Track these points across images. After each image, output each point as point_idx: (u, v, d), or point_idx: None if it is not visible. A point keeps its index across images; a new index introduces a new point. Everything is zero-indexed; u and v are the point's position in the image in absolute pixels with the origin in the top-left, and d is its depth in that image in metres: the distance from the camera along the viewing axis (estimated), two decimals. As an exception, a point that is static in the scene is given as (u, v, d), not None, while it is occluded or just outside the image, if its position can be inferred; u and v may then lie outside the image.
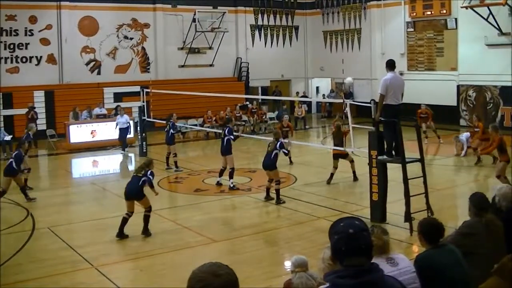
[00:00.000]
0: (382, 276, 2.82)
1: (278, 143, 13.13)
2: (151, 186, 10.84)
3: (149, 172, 10.68)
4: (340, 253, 2.75)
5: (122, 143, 21.14)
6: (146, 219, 10.74)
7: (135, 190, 10.63)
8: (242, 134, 18.68)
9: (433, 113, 21.75)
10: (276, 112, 28.13)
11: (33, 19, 25.50)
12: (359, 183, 14.72)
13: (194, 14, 28.45)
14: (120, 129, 21.05)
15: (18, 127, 23.08)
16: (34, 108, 23.13)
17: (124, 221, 10.63)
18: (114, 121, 21.33)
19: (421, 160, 11.12)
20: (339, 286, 2.72)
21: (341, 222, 2.84)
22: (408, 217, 10.38)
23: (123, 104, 24.46)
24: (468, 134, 18.65)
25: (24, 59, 25.41)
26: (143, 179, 10.60)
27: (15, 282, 8.57)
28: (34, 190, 15.03)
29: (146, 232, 10.73)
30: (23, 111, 22.76)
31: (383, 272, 2.84)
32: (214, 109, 25.55)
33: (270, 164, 13.16)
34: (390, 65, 11.04)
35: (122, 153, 21.01)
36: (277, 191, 13.08)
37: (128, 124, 21.28)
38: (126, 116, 21.47)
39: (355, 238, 2.74)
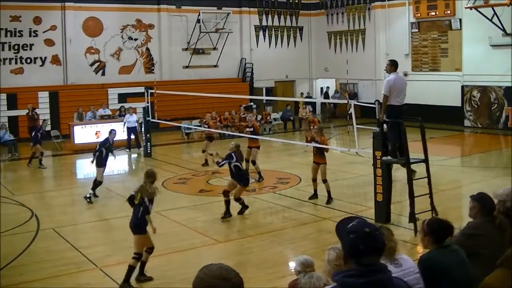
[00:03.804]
0: (390, 276, 2.82)
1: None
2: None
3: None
4: (358, 252, 2.72)
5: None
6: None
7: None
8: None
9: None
10: (281, 113, 28.14)
11: (37, 20, 25.54)
12: (363, 183, 14.61)
13: (199, 15, 28.47)
14: (128, 128, 21.42)
15: (22, 128, 23.17)
16: (34, 108, 23.18)
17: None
18: (119, 122, 21.44)
19: (426, 160, 11.11)
20: (347, 285, 2.71)
21: (350, 221, 2.84)
22: (412, 218, 10.37)
23: (127, 105, 24.50)
24: None
25: (28, 60, 25.46)
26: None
27: (20, 283, 8.59)
28: (38, 190, 15.06)
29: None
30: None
31: (391, 273, 2.84)
32: (219, 110, 25.54)
33: None
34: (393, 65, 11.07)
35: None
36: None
37: (136, 124, 21.67)
38: (135, 116, 21.91)
39: (373, 237, 2.74)
